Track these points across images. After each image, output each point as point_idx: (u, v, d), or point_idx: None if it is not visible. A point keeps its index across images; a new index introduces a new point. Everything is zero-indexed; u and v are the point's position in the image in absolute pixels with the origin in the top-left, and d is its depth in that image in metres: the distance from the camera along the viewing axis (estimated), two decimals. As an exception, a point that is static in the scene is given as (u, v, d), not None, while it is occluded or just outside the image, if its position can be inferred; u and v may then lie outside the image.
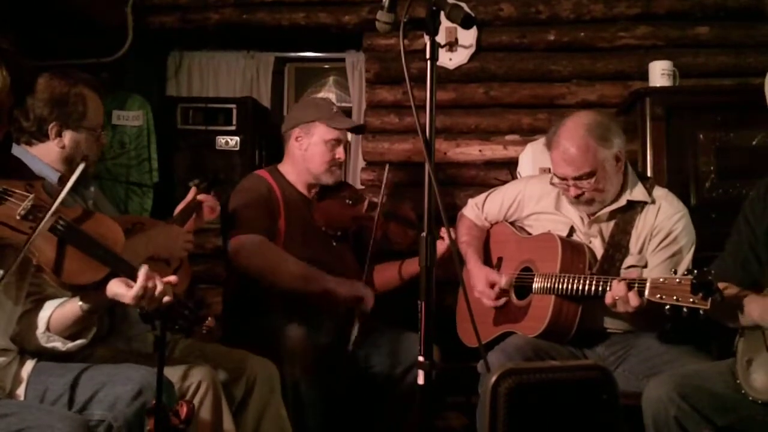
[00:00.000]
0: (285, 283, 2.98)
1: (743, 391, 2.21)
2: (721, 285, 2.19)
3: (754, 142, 3.49)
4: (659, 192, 2.85)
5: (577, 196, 2.75)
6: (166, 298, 2.04)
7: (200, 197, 2.86)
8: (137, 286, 1.99)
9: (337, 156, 3.23)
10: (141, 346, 2.56)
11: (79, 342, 2.15)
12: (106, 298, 2.05)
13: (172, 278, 2.09)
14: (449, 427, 3.72)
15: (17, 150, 2.45)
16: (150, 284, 2.01)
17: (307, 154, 3.23)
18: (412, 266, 3.26)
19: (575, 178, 2.72)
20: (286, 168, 3.31)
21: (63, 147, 2.44)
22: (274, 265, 2.99)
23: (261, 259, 3.00)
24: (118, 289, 2.02)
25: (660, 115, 3.49)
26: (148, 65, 4.68)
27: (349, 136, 4.40)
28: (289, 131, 3.28)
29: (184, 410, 2.02)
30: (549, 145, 2.82)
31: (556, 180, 2.82)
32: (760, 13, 4.00)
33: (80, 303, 2.07)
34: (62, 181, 2.40)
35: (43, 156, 2.43)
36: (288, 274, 2.98)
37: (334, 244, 3.25)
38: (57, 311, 2.11)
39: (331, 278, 3.00)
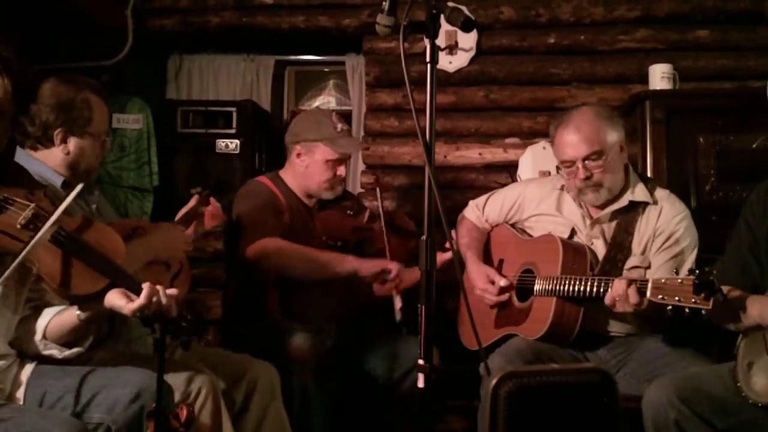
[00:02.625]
0: (313, 276, 2.98)
1: (744, 394, 2.21)
2: (722, 288, 2.19)
3: (754, 145, 3.49)
4: (661, 193, 2.85)
5: (587, 178, 2.73)
6: (169, 310, 2.03)
7: (202, 204, 2.85)
8: (140, 302, 1.98)
9: (338, 174, 3.20)
10: (141, 349, 2.56)
11: (75, 350, 2.14)
12: (104, 309, 2.04)
13: (173, 291, 2.08)
14: (450, 431, 3.71)
15: (20, 153, 2.45)
16: (154, 299, 2.00)
17: (308, 171, 3.20)
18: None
19: (585, 158, 2.72)
20: (287, 176, 3.28)
21: (68, 153, 2.44)
22: (297, 263, 2.98)
23: (284, 261, 2.99)
24: (116, 300, 2.01)
25: (660, 118, 3.50)
26: (148, 68, 4.69)
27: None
28: (291, 145, 3.25)
29: (184, 413, 2.01)
30: (555, 134, 2.83)
31: (562, 167, 2.82)
32: (760, 16, 4.01)
33: (78, 312, 2.06)
34: (66, 185, 2.41)
35: (47, 160, 2.43)
36: (313, 267, 2.97)
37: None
38: (54, 319, 2.10)
39: (352, 258, 3.00)
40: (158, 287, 2.02)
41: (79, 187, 2.10)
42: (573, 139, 2.75)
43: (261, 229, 3.03)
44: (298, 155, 3.22)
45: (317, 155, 3.18)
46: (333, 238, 3.19)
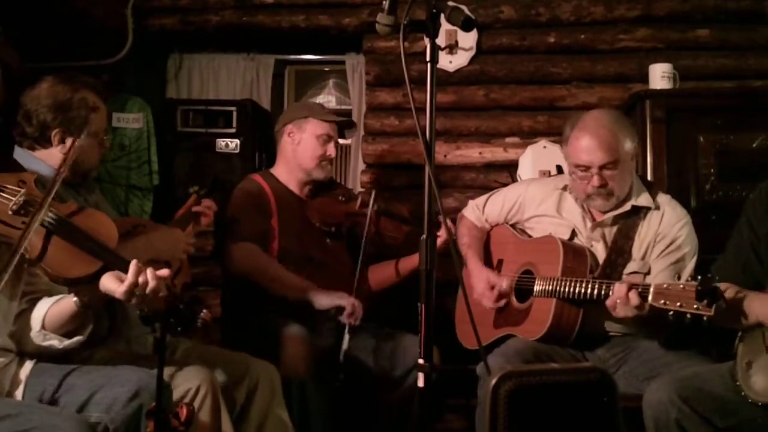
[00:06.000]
0: (274, 292, 3.06)
1: (743, 394, 2.21)
2: (722, 286, 2.19)
3: (754, 145, 3.49)
4: (663, 198, 2.85)
5: (602, 186, 2.72)
6: (161, 293, 2.03)
7: (195, 209, 2.85)
8: (128, 280, 1.98)
9: (327, 152, 3.29)
10: (141, 348, 2.56)
11: (75, 339, 2.14)
12: (100, 293, 2.05)
13: (164, 272, 2.08)
14: (449, 430, 3.71)
15: (19, 152, 2.45)
16: (141, 278, 1.99)
17: (299, 148, 3.29)
18: (408, 263, 3.28)
19: (601, 166, 2.71)
20: (278, 170, 3.37)
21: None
22: (261, 277, 3.07)
23: (248, 267, 3.09)
24: (110, 284, 2.02)
25: (660, 117, 3.50)
26: (148, 67, 4.68)
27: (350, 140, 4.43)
28: (282, 128, 3.35)
29: (184, 412, 2.01)
30: (570, 137, 2.79)
31: (575, 171, 2.78)
32: (760, 16, 4.01)
33: (74, 299, 2.06)
34: (64, 183, 2.40)
35: (46, 159, 2.43)
36: (275, 285, 3.06)
37: (329, 241, 3.29)
38: (52, 309, 2.11)
39: (314, 290, 3.03)
40: (146, 267, 2.02)
41: (68, 161, 2.11)
42: (592, 145, 2.71)
43: (238, 230, 3.12)
44: (290, 134, 3.32)
45: (308, 130, 3.29)
46: (326, 223, 3.27)
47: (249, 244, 3.10)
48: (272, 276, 3.07)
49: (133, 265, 2.00)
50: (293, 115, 3.36)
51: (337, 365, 2.95)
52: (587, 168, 2.74)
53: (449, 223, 2.99)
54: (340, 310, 2.99)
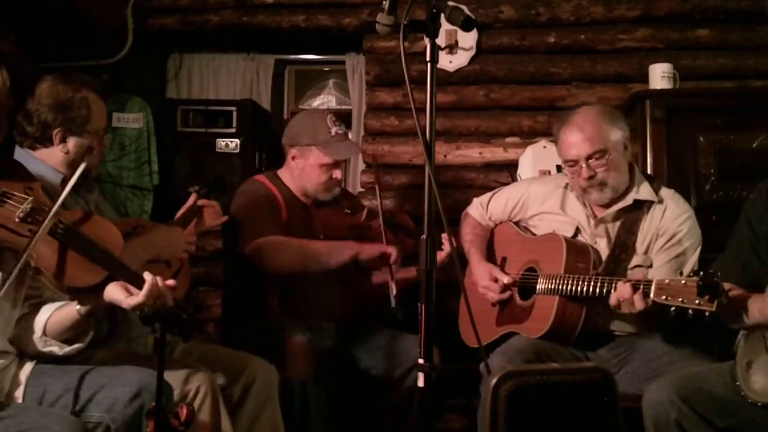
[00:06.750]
0: (313, 268, 2.97)
1: (743, 394, 2.21)
2: (724, 286, 2.19)
3: (754, 145, 3.49)
4: (666, 192, 2.85)
5: (590, 177, 2.74)
6: (166, 300, 2.02)
7: (201, 203, 2.85)
8: (142, 295, 1.98)
9: (334, 176, 3.18)
10: (141, 348, 2.56)
11: (76, 346, 2.14)
12: (104, 302, 2.04)
13: (171, 282, 2.08)
14: (449, 430, 3.71)
15: (19, 152, 2.44)
16: (155, 292, 1.99)
17: (304, 173, 3.19)
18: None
19: (588, 157, 2.73)
20: (285, 176, 3.27)
21: (67, 152, 2.43)
22: (295, 257, 2.97)
23: (282, 257, 2.96)
24: (115, 294, 2.01)
25: (660, 117, 3.50)
26: (149, 67, 4.69)
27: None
28: (287, 147, 3.25)
29: (184, 412, 2.01)
30: (558, 134, 2.84)
31: (566, 167, 2.82)
32: (760, 16, 4.01)
33: (78, 307, 2.06)
34: (64, 183, 2.40)
35: (46, 159, 2.43)
36: (312, 258, 2.97)
37: None
38: (54, 315, 2.10)
39: (353, 243, 3.00)
40: (158, 279, 2.01)
41: (82, 166, 2.10)
42: (576, 138, 2.75)
43: (257, 227, 3.01)
44: (293, 158, 3.20)
45: (311, 159, 3.15)
46: (331, 236, 3.17)
47: (272, 236, 2.98)
48: (309, 255, 2.97)
49: (148, 283, 1.99)
50: (297, 139, 3.18)
51: (390, 312, 2.99)
52: (575, 162, 2.77)
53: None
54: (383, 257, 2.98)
